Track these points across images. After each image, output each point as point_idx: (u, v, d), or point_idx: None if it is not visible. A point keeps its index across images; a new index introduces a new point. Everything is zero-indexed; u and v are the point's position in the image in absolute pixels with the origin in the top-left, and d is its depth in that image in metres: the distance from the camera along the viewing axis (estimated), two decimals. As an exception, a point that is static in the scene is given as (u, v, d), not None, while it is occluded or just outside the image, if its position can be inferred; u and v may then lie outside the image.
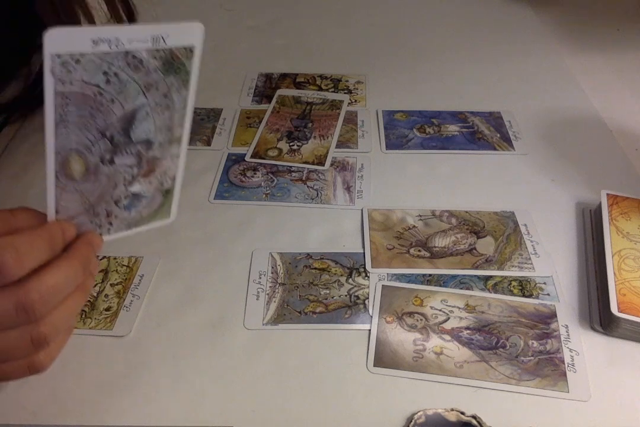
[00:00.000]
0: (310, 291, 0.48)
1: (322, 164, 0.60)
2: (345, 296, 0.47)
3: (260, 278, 0.49)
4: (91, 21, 0.58)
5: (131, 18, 0.60)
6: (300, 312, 0.46)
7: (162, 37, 0.31)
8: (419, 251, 0.51)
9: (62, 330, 0.33)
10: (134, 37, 0.31)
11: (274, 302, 0.47)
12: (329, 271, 0.49)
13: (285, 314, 0.46)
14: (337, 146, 0.63)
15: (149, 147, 0.35)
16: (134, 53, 0.31)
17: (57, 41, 0.28)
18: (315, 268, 0.50)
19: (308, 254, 0.51)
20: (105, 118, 0.32)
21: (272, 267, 0.50)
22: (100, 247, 0.36)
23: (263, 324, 0.45)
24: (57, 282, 0.31)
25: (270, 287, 0.48)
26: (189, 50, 0.33)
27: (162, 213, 0.39)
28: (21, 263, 0.30)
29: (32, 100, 0.65)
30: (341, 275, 0.49)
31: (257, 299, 0.47)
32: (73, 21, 0.55)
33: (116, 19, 0.59)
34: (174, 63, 0.33)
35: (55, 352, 0.34)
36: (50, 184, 0.33)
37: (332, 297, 0.47)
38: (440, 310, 0.46)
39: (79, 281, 0.33)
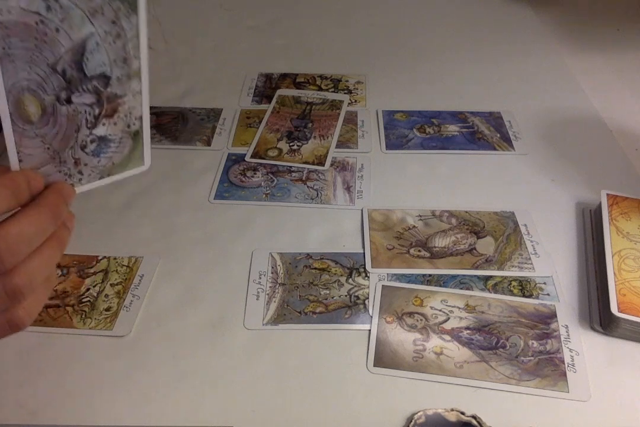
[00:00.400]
0: (310, 291, 0.48)
1: (322, 164, 0.60)
2: (345, 296, 0.47)
3: (260, 278, 0.49)
4: None
5: None
6: (300, 312, 0.46)
7: None
8: (419, 251, 0.51)
9: (38, 282, 0.32)
10: None
11: (274, 302, 0.47)
12: (329, 271, 0.49)
13: (285, 314, 0.46)
14: (337, 146, 0.63)
15: (106, 83, 0.33)
16: None
17: None
18: (315, 268, 0.50)
19: (308, 254, 0.51)
20: (52, 50, 0.30)
21: (272, 267, 0.50)
22: (71, 197, 0.34)
23: (263, 324, 0.45)
24: (24, 230, 0.30)
25: (270, 287, 0.48)
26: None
27: (134, 159, 0.37)
28: None
29: None
30: (341, 275, 0.49)
31: (257, 299, 0.47)
32: None
33: None
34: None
35: (34, 306, 0.32)
36: (7, 128, 0.31)
37: (332, 297, 0.47)
38: (440, 310, 0.46)
39: (50, 230, 0.32)
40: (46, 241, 0.32)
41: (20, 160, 0.32)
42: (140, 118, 0.35)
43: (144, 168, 0.37)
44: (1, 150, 0.51)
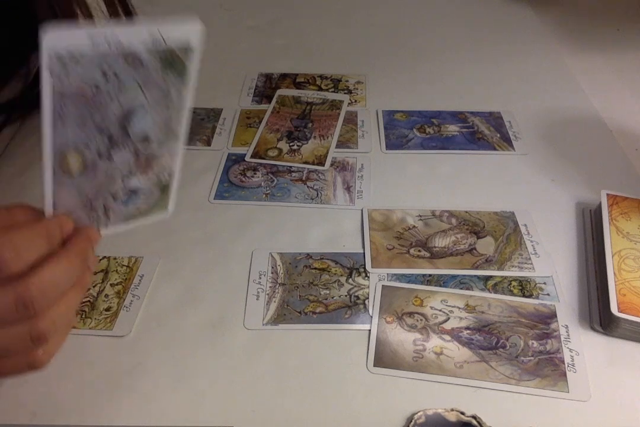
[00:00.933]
0: (310, 291, 0.48)
1: (322, 164, 0.60)
2: (345, 296, 0.47)
3: (260, 278, 0.49)
4: (90, 19, 0.58)
5: (129, 18, 0.60)
6: (300, 312, 0.46)
7: (162, 37, 0.32)
8: (419, 251, 0.51)
9: (61, 326, 0.33)
10: (134, 37, 0.31)
11: (274, 302, 0.47)
12: (329, 271, 0.49)
13: (285, 314, 0.46)
14: (337, 146, 0.63)
15: (146, 144, 0.35)
16: (134, 53, 0.31)
17: (56, 40, 0.28)
18: (315, 268, 0.50)
19: (308, 254, 0.51)
20: (103, 116, 0.32)
21: (272, 267, 0.50)
22: (98, 241, 0.36)
23: (263, 324, 0.45)
24: (56, 276, 0.31)
25: (270, 287, 0.48)
26: (189, 50, 0.33)
27: (159, 207, 0.39)
28: (20, 258, 0.30)
29: (31, 100, 0.65)
30: (341, 275, 0.49)
31: (257, 299, 0.47)
32: (71, 19, 0.55)
33: (115, 18, 0.59)
34: (173, 62, 0.33)
35: (54, 349, 0.33)
36: (48, 179, 0.33)
37: (332, 297, 0.47)
38: (440, 310, 0.46)
39: (78, 276, 0.33)
40: (72, 285, 0.33)
41: (54, 207, 0.34)
42: (172, 174, 0.37)
43: (166, 215, 0.39)
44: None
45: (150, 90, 0.33)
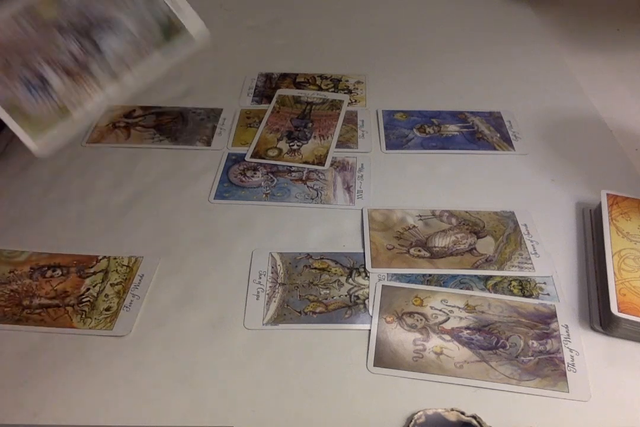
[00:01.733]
0: (310, 291, 0.48)
1: (322, 164, 0.60)
2: (345, 296, 0.47)
3: (260, 278, 0.49)
4: None
5: None
6: (300, 312, 0.46)
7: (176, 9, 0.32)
8: (419, 251, 0.51)
9: None
10: None
11: (274, 302, 0.47)
12: (329, 271, 0.49)
13: (285, 314, 0.46)
14: (337, 146, 0.63)
15: (93, 53, 0.33)
16: None
17: None
18: (315, 268, 0.50)
19: (308, 254, 0.51)
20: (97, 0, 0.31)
21: (272, 267, 0.50)
22: None
23: (263, 324, 0.45)
24: None
25: (270, 287, 0.48)
26: (190, 38, 0.34)
27: (34, 125, 0.35)
28: None
29: None
30: (341, 275, 0.49)
31: (257, 299, 0.47)
32: None
33: None
34: (170, 32, 0.34)
35: None
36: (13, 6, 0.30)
37: (332, 297, 0.47)
38: (440, 310, 0.46)
39: None
40: None
41: None
42: (80, 107, 0.36)
43: (34, 150, 0.36)
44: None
45: (140, 25, 0.33)
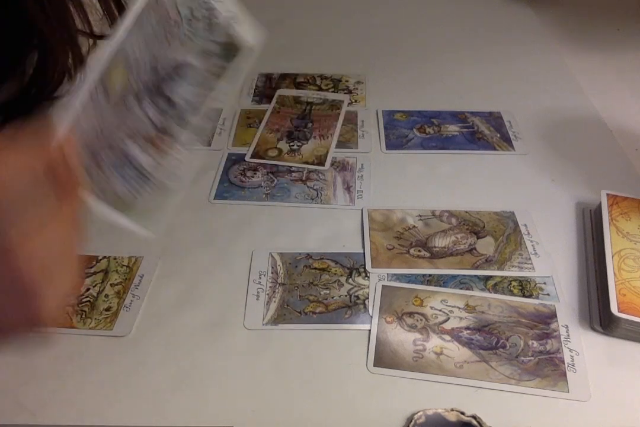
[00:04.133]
0: (310, 291, 0.48)
1: (322, 164, 0.60)
2: (345, 296, 0.47)
3: (260, 278, 0.49)
4: (86, 18, 0.57)
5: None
6: (300, 312, 0.46)
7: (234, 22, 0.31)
8: (419, 251, 0.51)
9: (51, 268, 0.28)
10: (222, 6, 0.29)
11: (274, 302, 0.47)
12: (329, 271, 0.49)
13: (285, 314, 0.46)
14: (337, 146, 0.63)
15: (168, 110, 0.31)
16: (216, 15, 0.29)
17: None
18: (315, 268, 0.50)
19: (308, 254, 0.51)
20: (164, 49, 0.29)
21: (272, 267, 0.50)
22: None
23: (263, 324, 0.45)
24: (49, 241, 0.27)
25: (270, 287, 0.48)
26: (250, 50, 0.32)
27: (142, 216, 0.33)
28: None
29: (28, 100, 0.65)
30: (341, 275, 0.49)
31: (257, 299, 0.47)
32: (65, 18, 0.55)
33: (109, 15, 0.59)
34: (231, 51, 0.32)
35: (53, 296, 0.28)
36: (90, 82, 0.27)
37: (332, 297, 0.47)
38: (440, 310, 0.46)
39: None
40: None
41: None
42: (179, 179, 0.33)
43: (143, 232, 0.33)
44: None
45: (207, 60, 0.31)
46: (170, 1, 0.28)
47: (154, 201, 0.34)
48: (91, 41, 0.62)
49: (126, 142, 0.31)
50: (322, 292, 0.48)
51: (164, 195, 0.34)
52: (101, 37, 0.62)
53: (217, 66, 0.31)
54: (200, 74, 0.31)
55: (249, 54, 0.32)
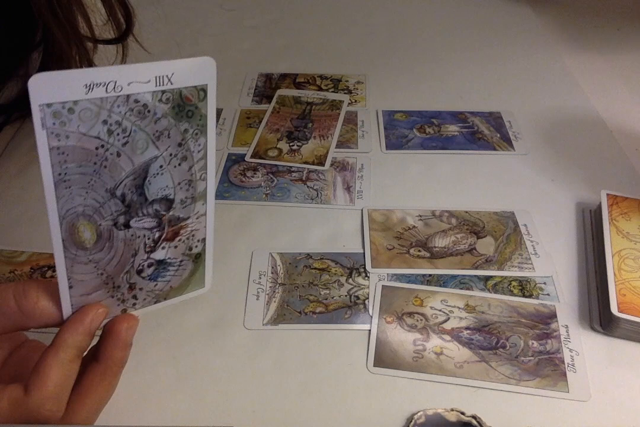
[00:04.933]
0: (310, 291, 0.48)
1: (322, 164, 0.60)
2: (345, 296, 0.47)
3: (260, 278, 0.49)
4: (88, 22, 0.57)
5: (128, 19, 0.60)
6: (300, 312, 0.46)
7: (167, 77, 0.27)
8: (419, 251, 0.51)
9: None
10: (134, 78, 0.26)
11: (274, 302, 0.47)
12: (329, 271, 0.49)
13: (285, 314, 0.46)
14: (337, 146, 0.63)
15: (169, 206, 0.31)
16: (136, 97, 0.27)
17: (45, 88, 0.24)
18: (315, 268, 0.50)
19: (308, 254, 0.51)
20: (112, 175, 0.28)
21: (272, 267, 0.50)
22: (135, 327, 0.32)
23: (263, 324, 0.45)
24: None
25: (270, 287, 0.48)
26: (201, 90, 0.29)
27: (194, 282, 0.34)
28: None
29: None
30: (341, 275, 0.49)
31: (257, 299, 0.47)
32: (70, 22, 0.55)
33: (114, 20, 0.59)
34: (185, 106, 0.29)
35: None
36: (59, 256, 0.29)
37: (332, 298, 0.47)
38: (440, 310, 0.46)
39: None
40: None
41: (70, 287, 0.30)
42: (204, 240, 0.33)
43: (203, 291, 0.35)
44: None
45: (162, 140, 0.29)
46: (76, 133, 0.26)
47: (189, 271, 0.34)
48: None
49: (135, 259, 0.31)
50: (322, 292, 0.48)
51: (195, 262, 0.34)
52: (103, 41, 0.62)
53: (177, 129, 0.29)
54: (166, 154, 0.30)
55: (203, 95, 0.30)
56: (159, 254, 0.32)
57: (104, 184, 0.28)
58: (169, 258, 0.32)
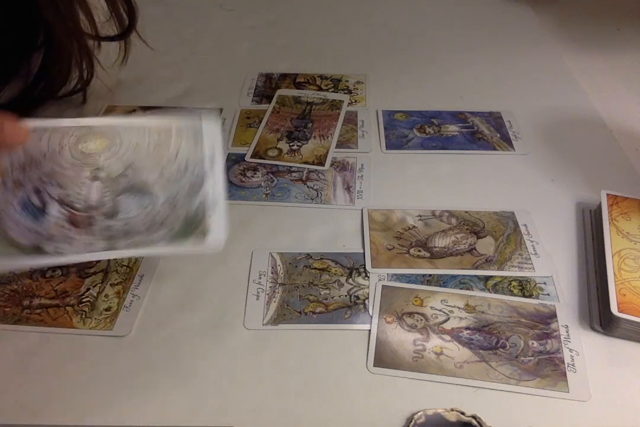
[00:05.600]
0: (310, 291, 0.48)
1: (322, 164, 0.60)
2: (345, 296, 0.47)
3: (260, 278, 0.49)
4: (91, 19, 0.57)
5: (132, 15, 0.60)
6: (300, 312, 0.46)
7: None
8: (419, 251, 0.51)
9: None
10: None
11: (274, 302, 0.47)
12: (329, 271, 0.49)
13: (285, 314, 0.46)
14: (337, 146, 0.63)
15: (110, 214, 0.34)
16: (203, 184, 0.35)
17: None
18: (315, 268, 0.50)
19: (308, 254, 0.51)
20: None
21: (272, 267, 0.50)
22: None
23: (263, 324, 0.45)
24: None
25: (270, 287, 0.48)
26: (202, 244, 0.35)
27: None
28: None
29: (32, 100, 0.65)
30: (341, 275, 0.49)
31: (257, 299, 0.47)
32: (72, 19, 0.55)
33: (116, 16, 0.59)
34: (191, 230, 0.35)
35: None
36: None
37: (332, 297, 0.47)
38: (440, 310, 0.46)
39: None
40: None
41: None
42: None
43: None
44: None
45: (167, 205, 0.35)
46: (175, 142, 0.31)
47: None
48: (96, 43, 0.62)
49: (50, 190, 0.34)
50: (322, 292, 0.48)
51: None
52: (106, 38, 0.62)
53: (171, 227, 0.34)
54: (154, 214, 0.34)
55: (199, 246, 0.35)
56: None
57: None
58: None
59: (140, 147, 0.35)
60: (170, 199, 0.35)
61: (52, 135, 0.34)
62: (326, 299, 0.47)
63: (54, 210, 0.34)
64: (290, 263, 0.50)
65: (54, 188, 0.34)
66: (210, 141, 0.36)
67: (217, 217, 0.36)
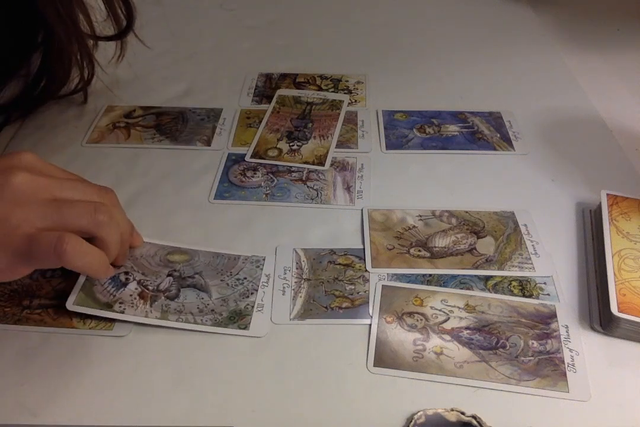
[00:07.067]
0: (335, 286, 0.48)
1: (322, 164, 0.60)
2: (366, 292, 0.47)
3: (285, 274, 0.49)
4: (88, 19, 0.58)
5: (130, 15, 0.60)
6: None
7: None
8: (419, 250, 0.51)
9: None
10: None
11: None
12: (353, 267, 0.49)
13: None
14: (337, 146, 0.63)
15: (172, 298, 0.46)
16: (252, 292, 0.47)
17: None
18: (340, 264, 0.50)
19: (331, 250, 0.51)
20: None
21: (297, 263, 0.49)
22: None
23: (290, 319, 0.45)
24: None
25: (295, 282, 0.48)
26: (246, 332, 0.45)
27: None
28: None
29: (32, 100, 0.65)
30: (365, 271, 0.49)
31: (283, 295, 0.47)
32: (72, 19, 0.55)
33: (113, 16, 0.59)
34: (235, 320, 0.45)
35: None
36: None
37: (358, 293, 0.47)
38: (440, 310, 0.46)
39: None
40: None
41: None
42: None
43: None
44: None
45: (220, 300, 0.47)
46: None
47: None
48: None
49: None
50: (347, 288, 0.48)
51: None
52: (104, 38, 0.62)
53: (219, 316, 0.45)
54: (207, 305, 0.46)
55: (244, 331, 0.44)
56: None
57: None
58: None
59: (210, 264, 0.48)
60: (223, 296, 0.46)
61: (152, 246, 0.50)
62: (352, 295, 0.47)
63: (132, 286, 0.46)
64: (314, 259, 0.50)
65: (138, 274, 0.47)
66: (267, 271, 0.49)
67: (259, 318, 0.45)
